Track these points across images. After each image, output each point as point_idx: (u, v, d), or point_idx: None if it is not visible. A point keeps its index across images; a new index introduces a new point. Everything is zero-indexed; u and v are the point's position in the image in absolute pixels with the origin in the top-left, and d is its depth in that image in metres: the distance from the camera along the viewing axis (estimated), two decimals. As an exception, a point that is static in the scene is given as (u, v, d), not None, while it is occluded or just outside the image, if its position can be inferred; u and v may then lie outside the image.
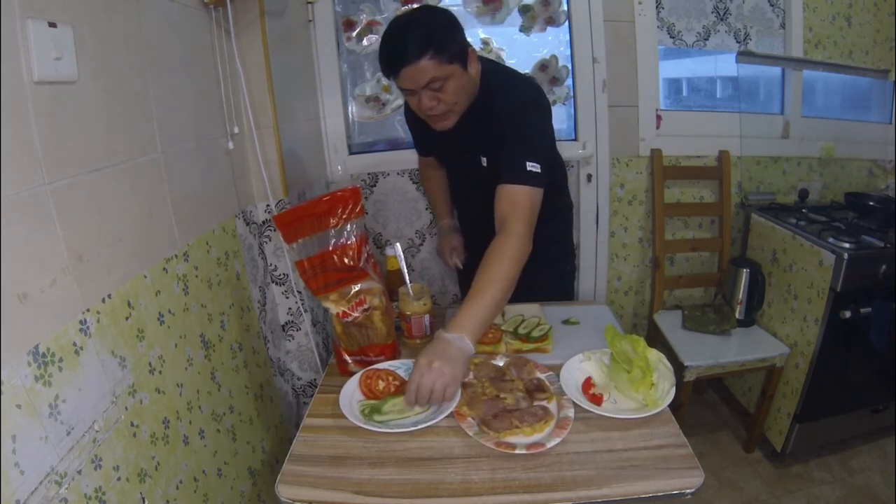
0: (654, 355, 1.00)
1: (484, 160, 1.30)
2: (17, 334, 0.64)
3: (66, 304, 0.73)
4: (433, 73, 1.10)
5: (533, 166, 1.15)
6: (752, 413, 1.93)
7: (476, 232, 1.50)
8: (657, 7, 1.91)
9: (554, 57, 1.90)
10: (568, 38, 1.90)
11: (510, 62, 1.89)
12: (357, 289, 1.04)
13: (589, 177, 1.99)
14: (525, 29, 1.88)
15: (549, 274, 1.49)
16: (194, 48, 1.14)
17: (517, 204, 1.14)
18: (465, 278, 1.50)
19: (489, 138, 1.23)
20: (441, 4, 1.83)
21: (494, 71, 1.27)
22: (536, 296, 1.35)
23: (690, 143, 2.04)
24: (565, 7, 1.87)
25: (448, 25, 1.13)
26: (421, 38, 1.08)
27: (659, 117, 2.00)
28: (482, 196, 1.27)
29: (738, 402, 2.07)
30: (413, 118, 1.40)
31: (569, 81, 1.94)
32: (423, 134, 1.44)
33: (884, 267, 1.59)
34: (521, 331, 1.19)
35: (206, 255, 1.15)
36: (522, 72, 1.88)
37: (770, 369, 1.80)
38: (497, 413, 0.94)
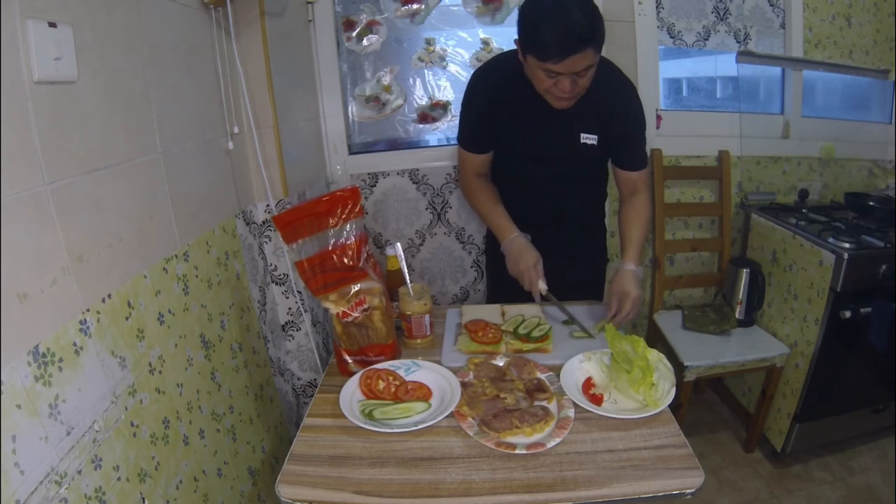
0: (654, 355, 1.00)
1: (592, 138, 1.34)
2: (17, 334, 0.64)
3: (66, 304, 0.73)
4: (589, 62, 1.14)
5: (646, 150, 1.41)
6: (752, 413, 1.93)
7: (540, 225, 1.45)
8: (657, 7, 1.91)
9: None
10: (568, 38, 1.89)
11: (510, 62, 1.89)
12: (357, 289, 1.04)
13: (589, 177, 1.99)
14: (525, 29, 1.88)
15: (590, 264, 1.61)
16: (194, 48, 1.14)
17: (643, 182, 1.42)
18: (504, 279, 1.42)
19: (600, 117, 1.31)
20: (441, 4, 1.83)
21: None
22: (575, 284, 1.44)
23: (690, 143, 2.04)
24: (565, 7, 1.87)
25: (601, 17, 1.15)
26: (594, 29, 1.11)
27: (659, 117, 1.99)
28: (565, 181, 1.41)
29: (738, 402, 2.07)
30: (483, 103, 1.37)
31: (569, 81, 1.94)
32: (492, 121, 1.37)
33: (884, 267, 1.59)
34: (522, 331, 1.19)
35: (206, 255, 1.15)
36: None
37: (770, 369, 1.80)
38: (497, 413, 0.94)
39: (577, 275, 1.49)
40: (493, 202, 1.45)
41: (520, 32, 1.18)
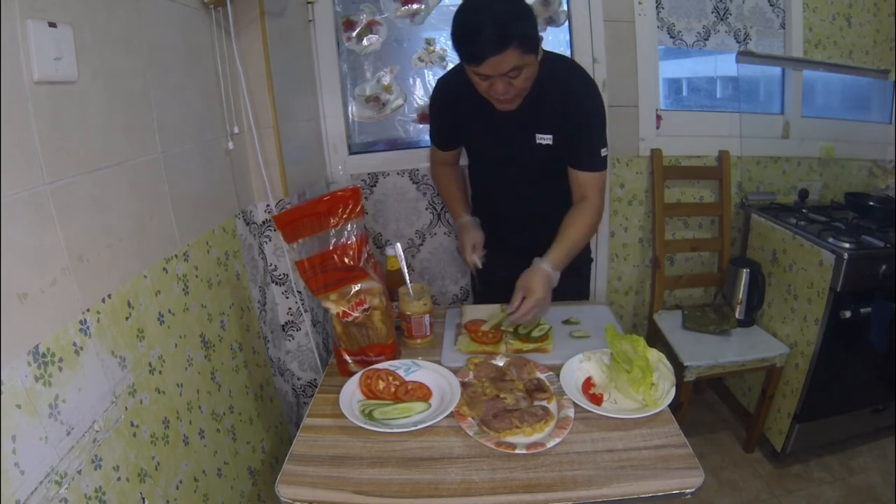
0: (654, 355, 1.00)
1: (547, 138, 1.32)
2: (17, 334, 0.64)
3: (66, 304, 0.73)
4: (515, 63, 1.12)
5: (604, 151, 1.32)
6: (752, 413, 1.93)
7: (512, 223, 1.48)
8: (657, 7, 1.91)
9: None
10: (568, 38, 1.90)
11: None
12: (357, 289, 1.04)
13: (589, 177, 1.99)
14: (525, 29, 1.88)
15: (579, 269, 1.55)
16: (194, 48, 1.14)
17: (595, 187, 1.33)
18: (483, 278, 1.50)
19: (553, 117, 1.29)
20: (441, 4, 1.83)
21: (547, 53, 1.30)
22: (565, 291, 1.39)
23: (690, 143, 2.04)
24: (565, 7, 1.87)
25: (529, 16, 1.15)
26: (509, 30, 1.09)
27: (659, 117, 1.99)
28: (528, 180, 1.38)
29: (738, 402, 2.07)
30: (445, 106, 1.41)
31: (569, 81, 1.94)
32: (455, 124, 1.43)
33: (884, 267, 1.59)
34: (522, 331, 1.19)
35: (206, 255, 1.15)
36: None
37: (770, 369, 1.80)
38: (497, 413, 0.94)
39: (575, 277, 1.49)
40: (452, 188, 1.58)
41: (451, 38, 1.19)
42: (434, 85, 1.49)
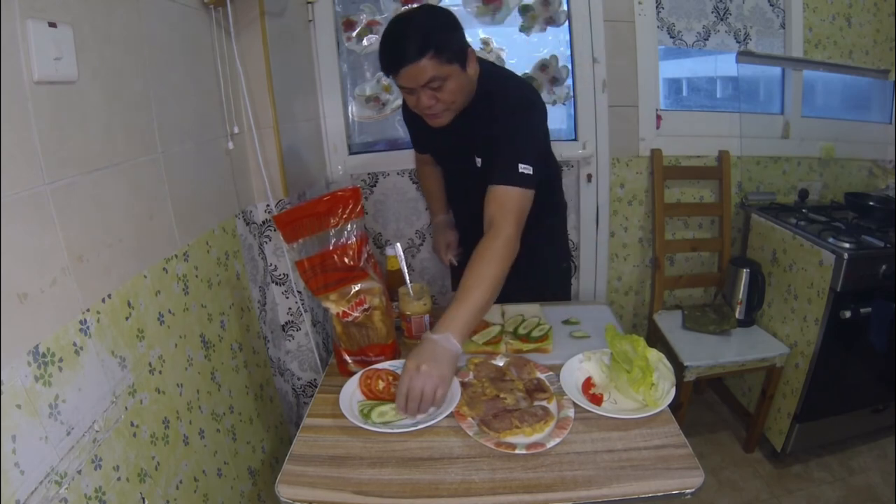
0: (654, 355, 1.00)
1: (478, 161, 1.30)
2: (17, 334, 0.64)
3: (66, 304, 0.73)
4: (433, 73, 1.10)
5: (525, 168, 1.14)
6: (752, 413, 1.93)
7: (472, 229, 1.44)
8: (657, 7, 1.91)
9: (554, 57, 1.91)
10: (568, 38, 1.90)
11: (510, 62, 1.89)
12: (357, 289, 1.04)
13: (589, 177, 1.99)
14: (525, 29, 1.88)
15: (543, 273, 1.49)
16: (194, 48, 1.14)
17: (507, 205, 1.13)
18: (458, 275, 1.50)
19: (484, 139, 1.23)
20: (441, 4, 1.83)
21: (492, 72, 1.28)
22: (531, 295, 1.36)
23: (690, 143, 2.04)
24: (565, 7, 1.87)
25: (448, 25, 1.13)
26: (421, 38, 1.08)
27: (659, 117, 2.00)
28: (478, 195, 1.25)
29: (738, 402, 2.07)
30: (410, 116, 1.41)
31: (569, 81, 1.94)
32: (420, 132, 1.44)
33: (884, 267, 1.59)
34: (521, 331, 1.19)
35: (206, 255, 1.15)
36: (522, 72, 1.89)
37: (770, 369, 1.80)
38: (497, 413, 0.94)
39: (537, 280, 1.45)
40: (430, 185, 1.64)
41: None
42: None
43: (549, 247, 1.53)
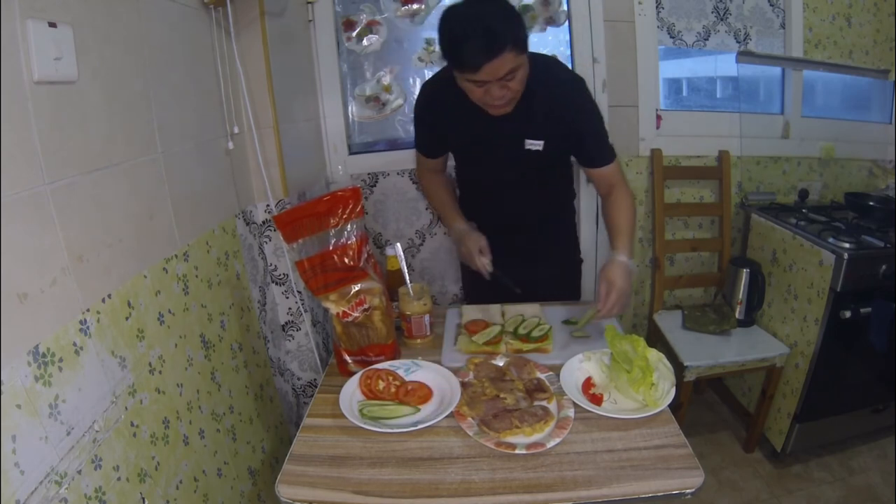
0: (654, 355, 1.00)
1: (537, 144, 1.31)
2: (17, 334, 0.64)
3: (66, 304, 0.73)
4: (511, 65, 1.11)
5: (611, 141, 1.36)
6: (752, 413, 1.93)
7: (500, 229, 1.44)
8: (657, 7, 1.91)
9: (554, 57, 1.90)
10: (568, 38, 1.90)
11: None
12: (357, 289, 1.04)
13: (589, 177, 1.99)
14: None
15: (561, 263, 1.56)
16: (194, 48, 1.14)
17: (617, 174, 1.37)
18: (483, 285, 1.43)
19: (545, 121, 1.27)
20: (441, 4, 1.83)
21: (532, 54, 1.29)
22: (548, 284, 1.41)
23: (690, 143, 2.04)
24: (565, 7, 1.87)
25: (518, 16, 1.14)
26: (503, 33, 1.08)
27: (659, 117, 1.99)
28: (516, 187, 1.36)
29: (738, 402, 2.07)
30: (429, 116, 1.39)
31: (569, 81, 1.94)
32: (441, 132, 1.40)
33: (884, 267, 1.59)
34: (521, 331, 1.19)
35: (206, 255, 1.15)
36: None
37: (770, 369, 1.80)
38: (497, 413, 0.94)
39: (549, 276, 1.47)
40: (444, 196, 1.53)
41: (440, 48, 1.16)
42: (419, 90, 1.45)
43: (567, 239, 1.60)
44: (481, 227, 1.46)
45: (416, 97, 1.47)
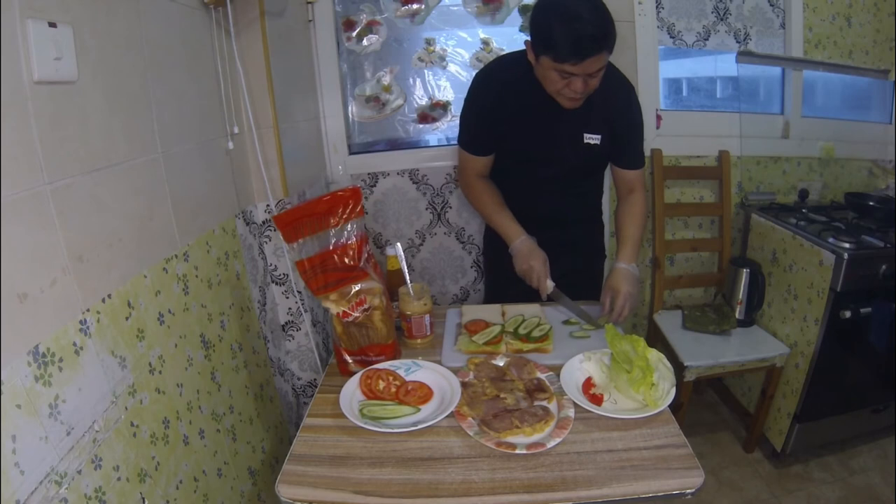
0: (654, 355, 1.00)
1: (595, 138, 1.36)
2: (17, 334, 0.64)
3: (66, 304, 0.73)
4: (603, 63, 1.17)
5: (644, 150, 1.44)
6: (752, 413, 1.93)
7: (536, 223, 1.45)
8: (657, 7, 1.91)
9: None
10: (568, 38, 1.89)
11: (510, 62, 1.89)
12: (357, 289, 1.04)
13: (589, 177, 1.99)
14: (525, 29, 1.87)
15: (590, 256, 1.62)
16: (194, 48, 1.14)
17: (641, 180, 1.45)
18: (500, 275, 1.52)
19: (603, 117, 1.34)
20: (441, 4, 1.83)
21: None
22: (576, 277, 1.44)
23: (690, 143, 2.04)
24: (565, 7, 1.87)
25: (613, 19, 1.16)
26: (612, 31, 1.13)
27: (659, 117, 1.99)
28: (563, 180, 1.42)
29: (738, 402, 2.07)
30: (485, 105, 1.37)
31: (569, 81, 1.94)
32: (495, 123, 1.37)
33: (884, 267, 1.59)
34: (522, 331, 1.19)
35: (206, 255, 1.15)
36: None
37: (770, 369, 1.80)
38: (497, 413, 0.94)
39: (578, 273, 1.50)
40: (498, 205, 1.46)
41: (534, 34, 1.19)
42: (473, 79, 1.42)
43: (598, 234, 1.66)
44: (519, 221, 1.44)
45: (468, 90, 1.42)
